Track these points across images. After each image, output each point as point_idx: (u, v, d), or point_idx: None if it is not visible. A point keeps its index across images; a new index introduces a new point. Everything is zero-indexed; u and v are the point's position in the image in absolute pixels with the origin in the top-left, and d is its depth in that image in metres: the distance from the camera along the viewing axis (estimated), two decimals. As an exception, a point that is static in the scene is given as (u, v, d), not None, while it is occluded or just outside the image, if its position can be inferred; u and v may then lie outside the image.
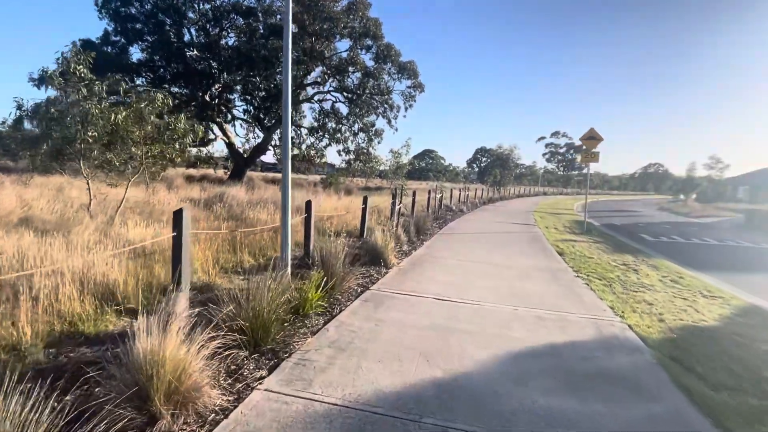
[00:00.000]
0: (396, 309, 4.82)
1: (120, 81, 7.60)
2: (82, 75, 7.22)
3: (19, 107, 7.19)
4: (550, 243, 11.18)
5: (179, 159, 8.84)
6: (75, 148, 7.50)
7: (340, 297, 5.15)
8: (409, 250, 8.71)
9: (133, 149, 8.57)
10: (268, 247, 7.45)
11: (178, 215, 4.16)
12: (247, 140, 32.75)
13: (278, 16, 27.48)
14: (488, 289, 5.93)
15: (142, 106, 7.61)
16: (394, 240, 8.64)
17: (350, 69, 28.16)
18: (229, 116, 29.80)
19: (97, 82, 7.28)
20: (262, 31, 25.90)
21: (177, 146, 9.00)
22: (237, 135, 31.93)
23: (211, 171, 33.32)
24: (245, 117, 31.53)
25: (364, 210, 9.77)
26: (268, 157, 40.24)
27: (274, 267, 4.38)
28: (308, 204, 7.01)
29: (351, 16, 26.62)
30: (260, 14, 26.97)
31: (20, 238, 5.46)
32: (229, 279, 5.59)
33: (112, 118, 7.17)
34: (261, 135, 30.95)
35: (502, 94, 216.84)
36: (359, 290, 5.53)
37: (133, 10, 25.28)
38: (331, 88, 30.00)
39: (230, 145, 29.38)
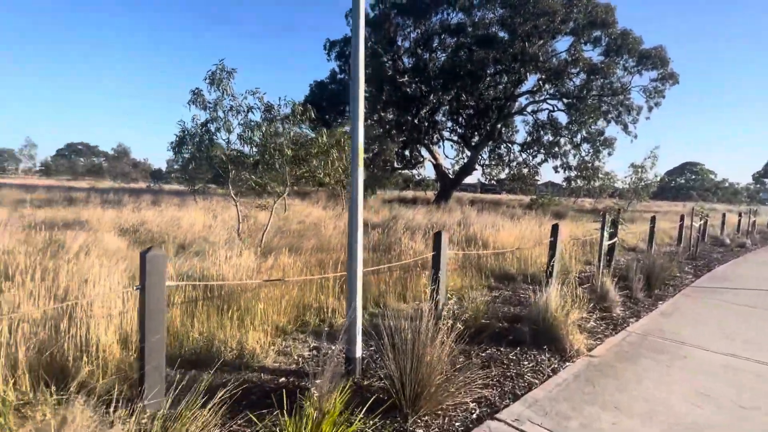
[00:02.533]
0: None
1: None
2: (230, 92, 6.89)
3: (183, 131, 7.45)
4: None
5: (327, 179, 7.80)
6: (229, 171, 7.27)
7: (418, 433, 2.59)
8: (624, 318, 5.12)
9: (287, 169, 8.00)
10: (390, 293, 5.38)
11: None
12: (457, 161, 31.90)
13: (491, 28, 25.69)
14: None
15: (280, 118, 6.82)
16: (592, 299, 5.25)
17: (571, 70, 23.74)
18: (436, 137, 29.47)
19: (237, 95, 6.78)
20: (468, 45, 24.53)
21: (327, 165, 8.00)
22: (446, 156, 31.54)
23: (423, 193, 33.91)
24: (451, 137, 30.84)
25: (552, 243, 6.57)
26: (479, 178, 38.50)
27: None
28: (437, 236, 4.63)
29: (574, 9, 22.45)
30: (469, 28, 25.75)
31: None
32: (285, 347, 3.76)
33: (248, 134, 6.56)
34: (469, 154, 29.52)
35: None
36: (475, 417, 2.81)
37: (356, 50, 27.96)
38: (546, 96, 26.11)
39: (437, 166, 28.94)
